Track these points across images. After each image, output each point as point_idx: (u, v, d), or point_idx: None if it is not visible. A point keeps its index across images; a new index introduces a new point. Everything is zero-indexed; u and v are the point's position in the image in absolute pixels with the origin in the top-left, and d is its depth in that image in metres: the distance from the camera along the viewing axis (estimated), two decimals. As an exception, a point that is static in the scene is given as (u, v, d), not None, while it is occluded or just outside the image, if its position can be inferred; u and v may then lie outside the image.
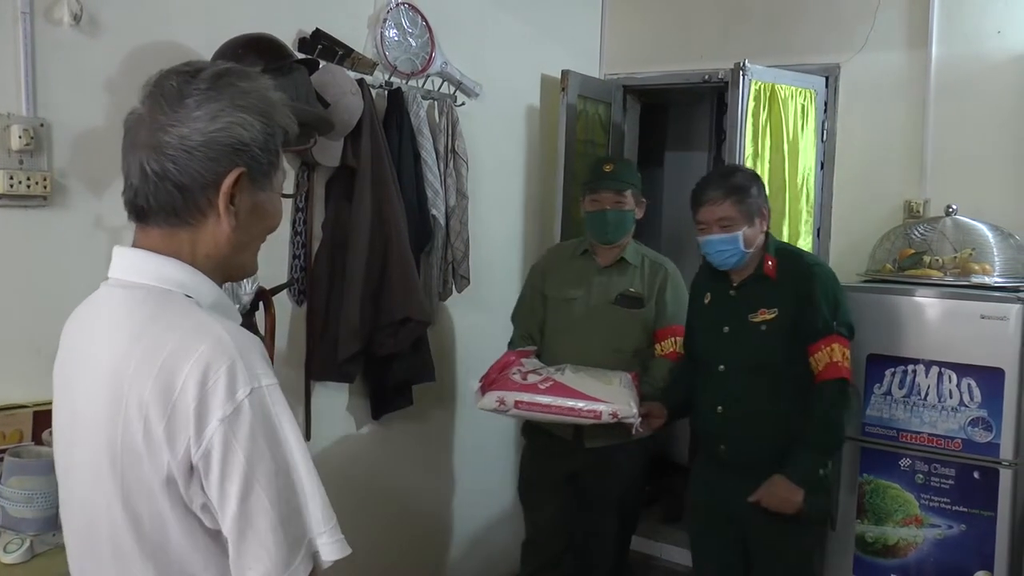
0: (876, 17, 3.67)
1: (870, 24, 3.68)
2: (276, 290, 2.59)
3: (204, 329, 1.10)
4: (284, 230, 2.81)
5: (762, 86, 3.57)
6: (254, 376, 1.08)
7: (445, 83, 3.41)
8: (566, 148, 3.87)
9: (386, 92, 3.14)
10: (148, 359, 1.08)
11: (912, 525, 3.15)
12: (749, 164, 3.73)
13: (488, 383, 2.75)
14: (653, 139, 4.99)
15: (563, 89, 3.86)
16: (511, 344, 3.09)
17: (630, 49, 4.30)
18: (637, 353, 3.00)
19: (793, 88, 3.64)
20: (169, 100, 1.13)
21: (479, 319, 3.62)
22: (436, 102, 3.36)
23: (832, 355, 2.55)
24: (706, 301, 2.78)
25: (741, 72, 3.43)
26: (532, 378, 2.71)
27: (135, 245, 1.18)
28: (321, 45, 2.84)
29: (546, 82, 3.98)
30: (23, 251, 2.21)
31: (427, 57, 3.28)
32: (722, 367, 2.68)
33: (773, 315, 2.59)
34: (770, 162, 3.62)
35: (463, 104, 3.45)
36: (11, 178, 2.12)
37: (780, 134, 3.60)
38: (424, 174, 3.21)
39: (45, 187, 2.19)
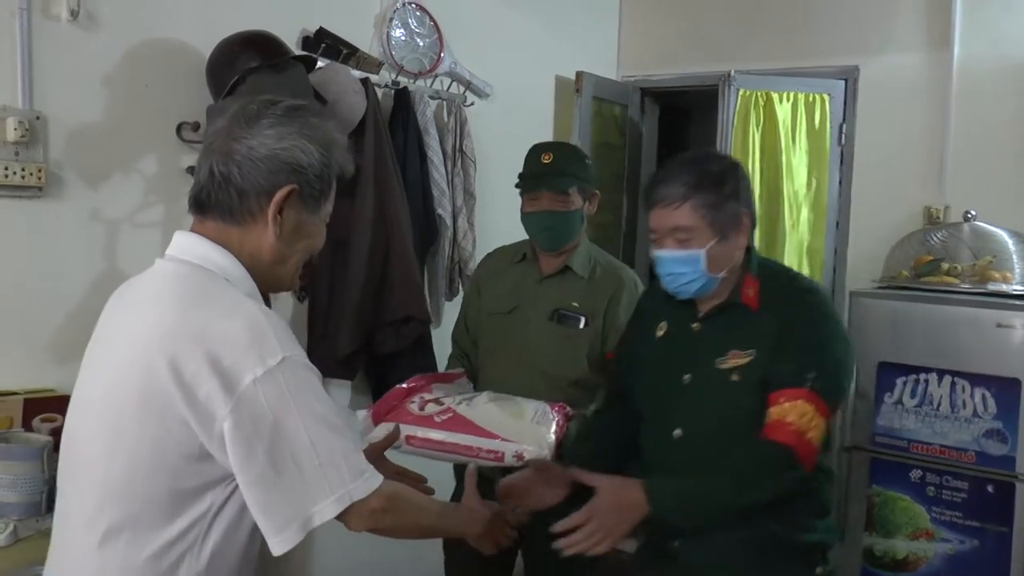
0: (897, 18, 3.61)
1: (890, 25, 3.62)
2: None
3: (239, 305, 1.27)
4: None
5: (755, 94, 3.55)
6: (285, 347, 1.25)
7: (454, 83, 3.41)
8: (580, 150, 3.85)
9: (393, 91, 3.15)
10: (183, 324, 1.24)
11: (922, 539, 3.06)
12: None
13: (383, 411, 2.26)
14: (674, 142, 4.94)
15: (577, 90, 3.85)
16: (448, 365, 2.66)
17: (648, 51, 4.27)
18: (577, 382, 2.41)
19: (798, 93, 3.61)
20: (248, 118, 1.32)
21: (487, 320, 3.60)
22: (445, 102, 3.36)
23: (787, 414, 1.72)
24: (659, 334, 1.98)
25: (727, 83, 3.40)
26: (431, 408, 2.20)
27: (191, 231, 1.36)
28: (325, 44, 2.86)
29: (561, 83, 3.97)
30: (17, 241, 2.25)
31: (435, 57, 3.29)
32: (679, 431, 1.87)
33: (747, 359, 1.81)
34: (762, 173, 3.61)
35: (472, 104, 3.45)
36: (6, 168, 2.17)
37: (775, 143, 3.56)
38: (430, 173, 3.21)
39: (40, 178, 2.23)
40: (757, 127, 3.62)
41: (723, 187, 1.81)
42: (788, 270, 2.03)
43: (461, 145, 3.36)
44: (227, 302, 1.28)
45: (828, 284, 3.71)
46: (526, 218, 2.50)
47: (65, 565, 1.35)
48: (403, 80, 3.19)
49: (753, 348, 1.81)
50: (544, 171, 2.45)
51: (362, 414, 2.26)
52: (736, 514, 1.75)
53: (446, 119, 3.36)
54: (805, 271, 3.68)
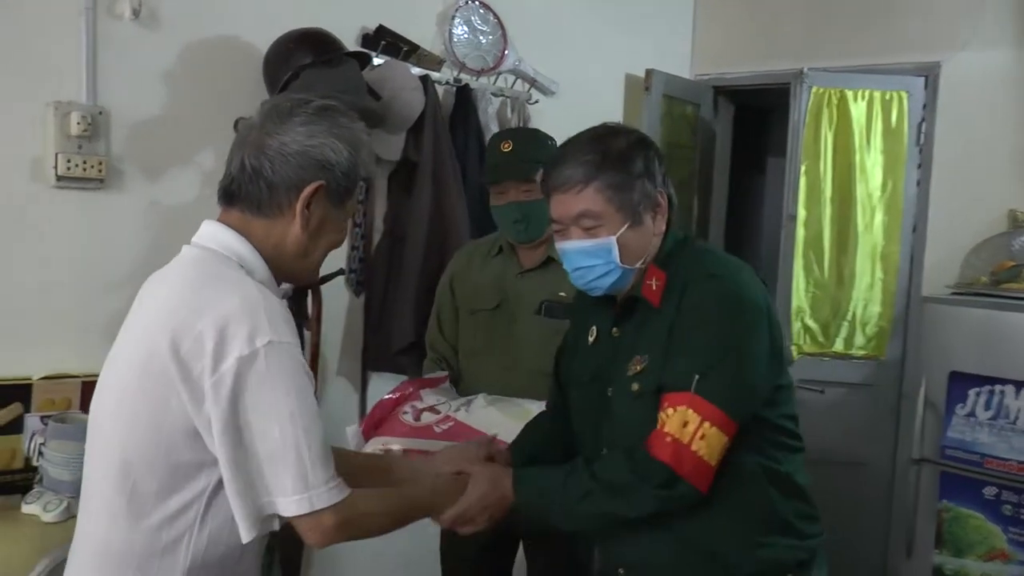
0: (983, 12, 3.42)
1: (976, 20, 3.43)
2: (325, 279, 2.64)
3: (240, 288, 1.31)
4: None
5: (828, 92, 3.43)
6: (276, 332, 1.28)
7: (519, 80, 3.40)
8: (648, 149, 3.79)
9: (454, 89, 3.16)
10: (185, 304, 1.29)
11: (998, 560, 2.90)
12: (804, 181, 3.51)
13: (372, 424, 2.14)
14: (753, 143, 4.82)
15: (647, 88, 3.78)
16: (424, 373, 2.54)
17: (723, 48, 4.15)
18: None
19: (874, 92, 3.47)
20: (280, 115, 1.38)
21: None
22: (509, 100, 3.35)
23: (666, 423, 1.50)
24: (591, 340, 1.75)
25: (799, 81, 3.27)
26: (427, 417, 2.10)
27: (217, 220, 1.42)
28: (384, 41, 2.90)
29: (630, 81, 3.91)
30: (78, 230, 2.35)
31: (498, 54, 3.28)
32: (606, 451, 1.66)
33: (643, 365, 1.59)
34: (835, 174, 3.50)
35: (536, 102, 3.43)
36: (68, 161, 2.26)
37: (848, 142, 3.43)
38: (491, 171, 3.21)
39: (101, 171, 2.32)
40: (830, 126, 3.50)
41: (631, 165, 1.58)
42: (703, 254, 1.68)
43: (524, 143, 3.34)
44: (229, 284, 1.32)
45: (903, 291, 3.55)
46: (495, 212, 2.41)
47: (83, 539, 1.40)
48: (465, 77, 3.20)
49: (648, 353, 1.59)
50: (504, 160, 2.36)
51: (352, 429, 2.18)
52: (615, 523, 1.59)
53: (509, 117, 3.35)
54: (878, 276, 3.55)
